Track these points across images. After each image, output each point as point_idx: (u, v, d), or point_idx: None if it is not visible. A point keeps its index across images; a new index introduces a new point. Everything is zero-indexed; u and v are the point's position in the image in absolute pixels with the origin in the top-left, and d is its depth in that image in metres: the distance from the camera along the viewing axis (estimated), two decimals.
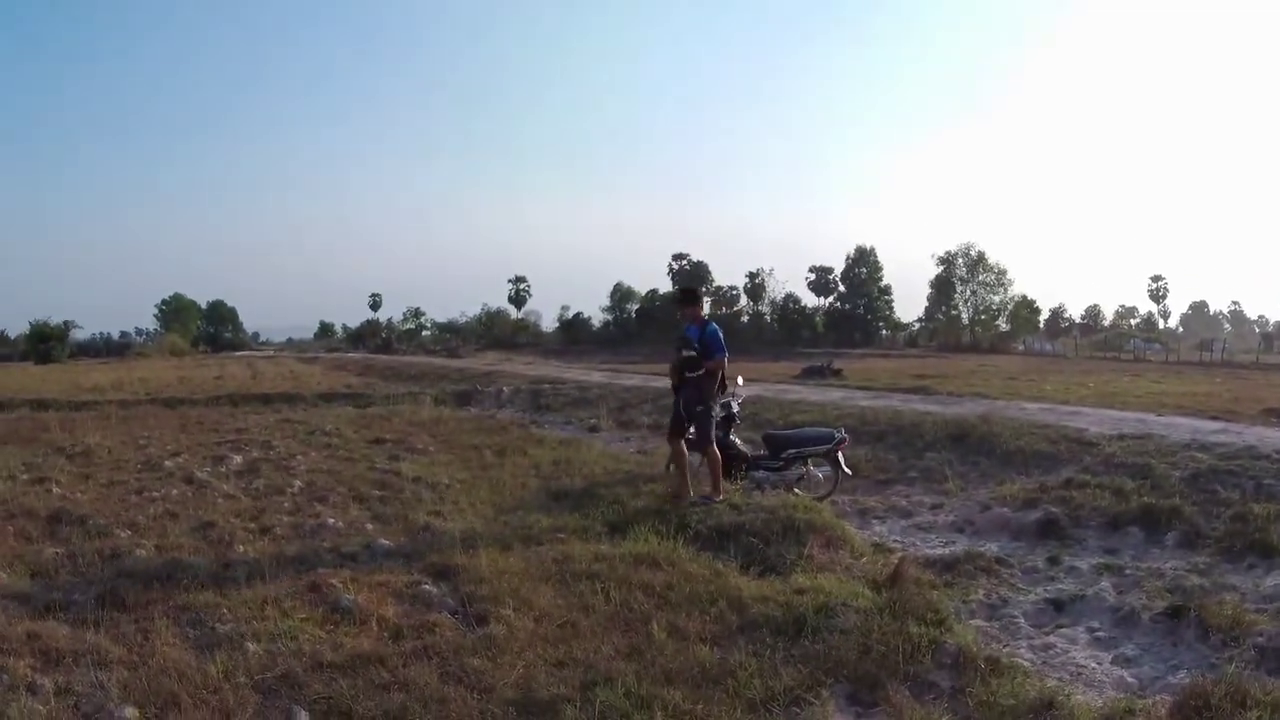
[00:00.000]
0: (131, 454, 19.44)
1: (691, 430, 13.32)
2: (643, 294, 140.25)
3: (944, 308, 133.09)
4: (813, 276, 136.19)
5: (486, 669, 6.98)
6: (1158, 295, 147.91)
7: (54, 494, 14.66)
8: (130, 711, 6.51)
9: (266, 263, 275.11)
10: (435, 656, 7.29)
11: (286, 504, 13.63)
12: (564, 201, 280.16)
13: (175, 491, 14.61)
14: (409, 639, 7.71)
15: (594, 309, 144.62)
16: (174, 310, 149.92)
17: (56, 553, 10.84)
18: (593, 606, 8.35)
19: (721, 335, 13.33)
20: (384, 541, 11.09)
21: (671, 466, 14.74)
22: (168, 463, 17.72)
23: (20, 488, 15.28)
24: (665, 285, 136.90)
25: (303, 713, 6.46)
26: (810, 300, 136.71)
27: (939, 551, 11.68)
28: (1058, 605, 9.55)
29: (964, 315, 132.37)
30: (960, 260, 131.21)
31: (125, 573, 9.80)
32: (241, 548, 10.81)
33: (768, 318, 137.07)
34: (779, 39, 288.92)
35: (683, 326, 13.69)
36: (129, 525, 12.22)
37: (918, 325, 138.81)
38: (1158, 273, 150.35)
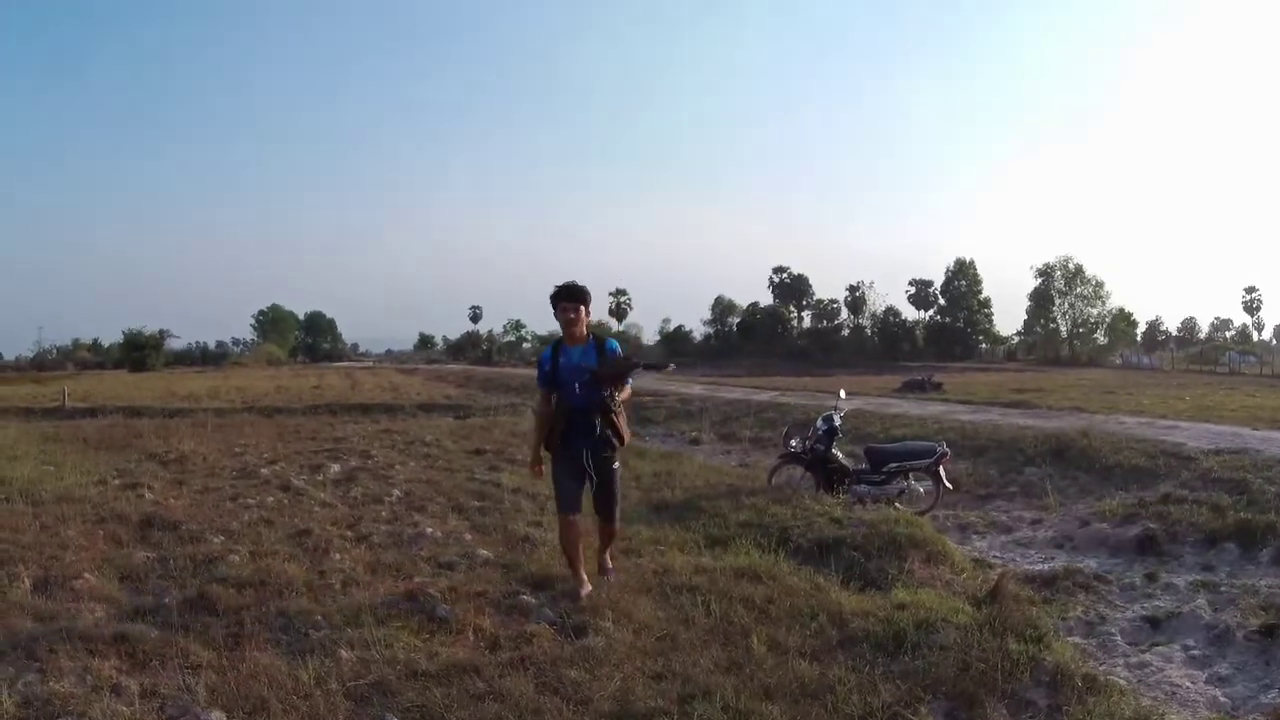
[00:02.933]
0: (227, 461, 19.63)
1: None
2: (743, 307, 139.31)
3: (1042, 321, 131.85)
4: (913, 289, 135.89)
5: (584, 681, 6.92)
6: (1252, 307, 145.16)
7: (146, 499, 14.82)
8: (217, 715, 6.54)
9: (366, 274, 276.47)
10: (532, 667, 7.24)
11: (384, 513, 13.66)
12: (665, 213, 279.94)
13: (271, 499, 14.69)
14: (506, 649, 7.68)
15: (695, 322, 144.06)
16: (271, 320, 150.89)
17: (147, 557, 10.99)
18: (693, 619, 8.29)
19: None
20: (483, 551, 11.06)
21: (768, 471, 14.49)
22: (264, 470, 17.88)
23: (112, 493, 15.47)
24: (766, 298, 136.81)
25: None
26: (910, 313, 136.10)
27: (1038, 567, 11.55)
28: (1153, 623, 9.45)
29: (1062, 328, 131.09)
30: (1058, 273, 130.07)
31: (218, 578, 9.86)
32: (337, 555, 10.84)
33: (868, 331, 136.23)
34: (881, 52, 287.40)
35: (576, 337, 9.34)
36: (223, 531, 12.29)
37: (1016, 338, 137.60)
38: (1252, 284, 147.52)
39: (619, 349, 9.65)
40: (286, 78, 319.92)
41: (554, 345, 9.57)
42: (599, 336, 9.60)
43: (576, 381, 9.21)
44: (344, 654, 7.57)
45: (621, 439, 9.53)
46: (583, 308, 9.45)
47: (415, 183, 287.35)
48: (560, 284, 9.42)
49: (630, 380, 9.68)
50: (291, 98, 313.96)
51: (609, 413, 9.31)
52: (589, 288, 9.63)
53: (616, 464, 9.68)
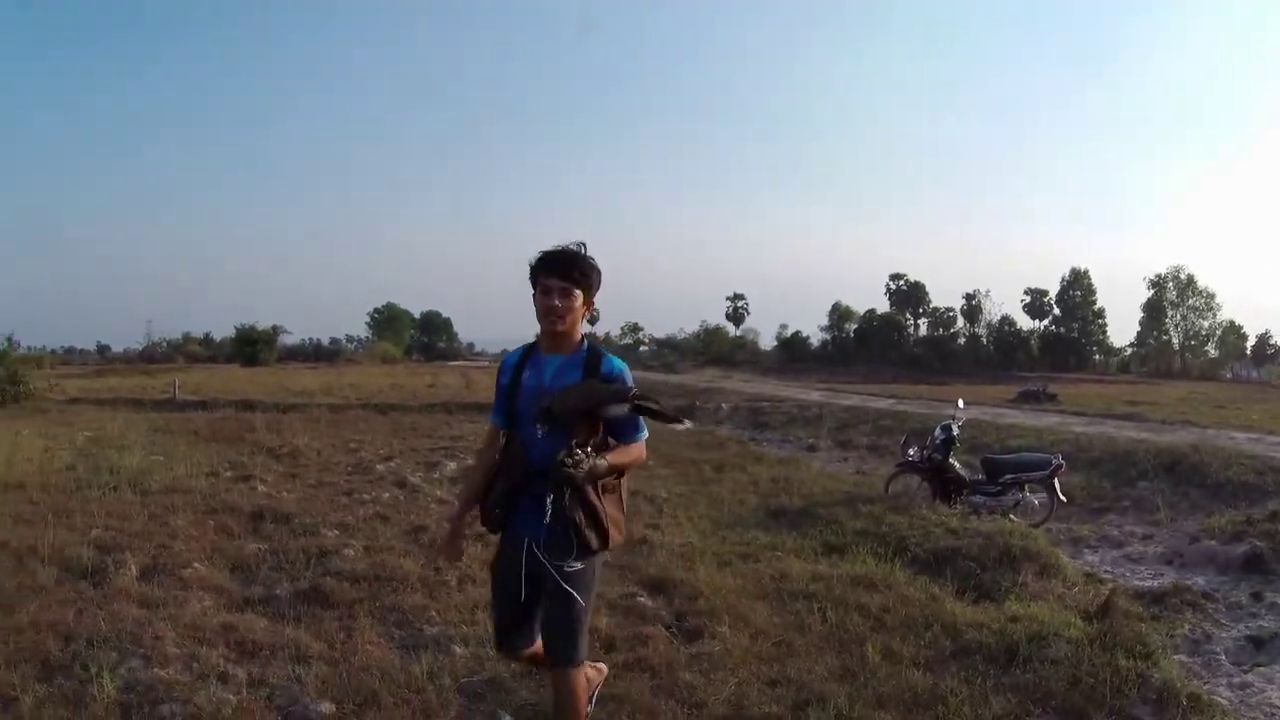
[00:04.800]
0: (341, 457, 19.85)
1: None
2: (860, 314, 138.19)
3: (1155, 333, 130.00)
4: (1028, 299, 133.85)
5: (699, 684, 6.91)
6: None
7: (258, 492, 15.04)
8: (327, 706, 6.59)
9: (482, 275, 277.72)
10: (648, 669, 7.23)
11: None
12: (783, 218, 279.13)
13: (386, 495, 14.80)
14: (622, 650, 7.66)
15: (812, 328, 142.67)
16: (386, 319, 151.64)
17: (259, 548, 11.07)
18: (808, 626, 8.20)
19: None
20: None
21: (884, 480, 14.24)
22: (379, 466, 18.05)
23: (223, 484, 15.77)
24: (883, 305, 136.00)
25: (507, 717, 6.47)
26: (1025, 323, 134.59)
27: (1148, 584, 11.34)
28: (1257, 643, 9.18)
29: (1174, 340, 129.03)
30: (1170, 284, 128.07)
31: (331, 571, 9.94)
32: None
33: (984, 340, 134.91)
34: (998, 61, 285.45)
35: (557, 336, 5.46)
36: (337, 525, 12.38)
37: (1129, 350, 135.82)
38: None
39: (620, 371, 5.41)
40: (406, 78, 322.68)
41: (524, 350, 5.67)
42: (597, 351, 5.47)
43: (540, 418, 5.17)
44: (458, 650, 7.61)
45: (600, 535, 5.23)
46: (577, 291, 5.31)
47: (530, 185, 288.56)
48: (548, 249, 5.35)
49: (622, 421, 5.33)
50: (411, 99, 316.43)
51: (578, 485, 5.06)
52: (598, 264, 5.39)
53: (578, 569, 5.24)
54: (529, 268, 5.42)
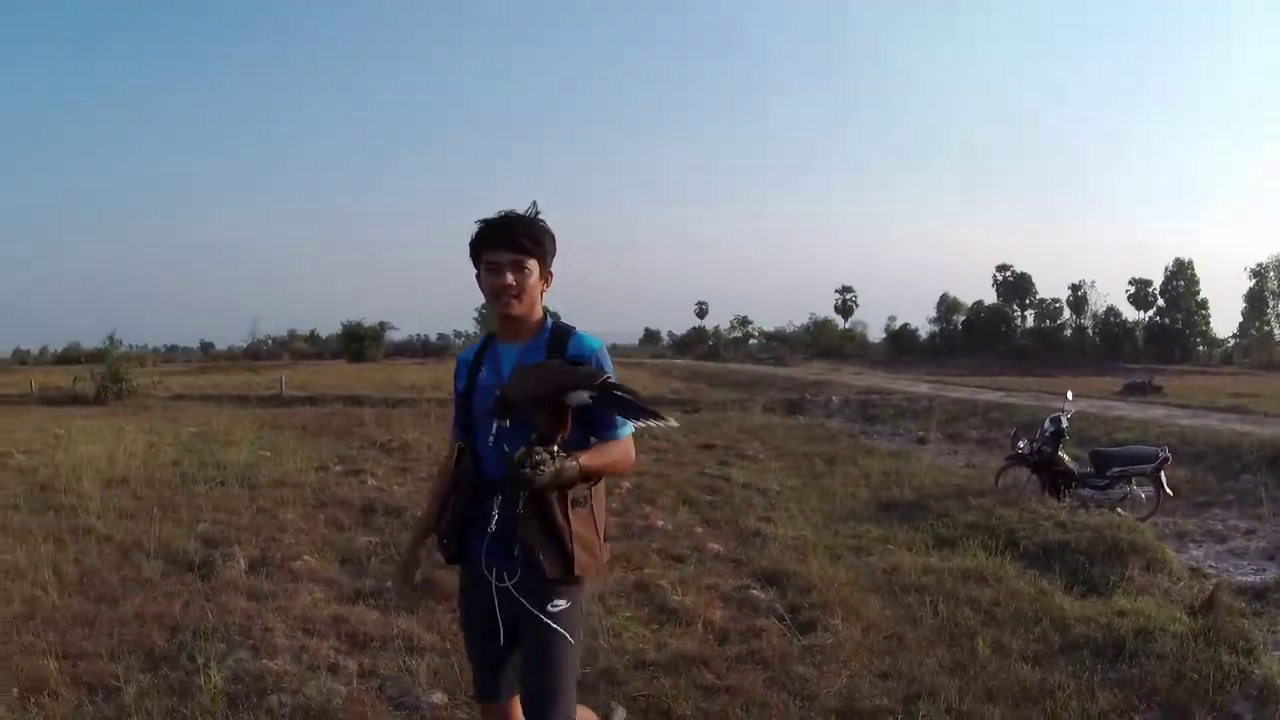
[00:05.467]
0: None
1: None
2: (968, 305, 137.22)
3: (1257, 323, 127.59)
4: (1132, 289, 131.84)
5: (811, 677, 6.88)
6: None
7: (369, 486, 15.16)
8: (439, 697, 6.62)
9: (591, 270, 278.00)
10: (761, 662, 7.20)
11: (614, 504, 13.52)
12: (891, 209, 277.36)
13: None
14: (735, 643, 7.64)
15: (920, 320, 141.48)
16: (492, 313, 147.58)
17: (369, 541, 11.14)
18: (920, 619, 8.17)
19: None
20: (713, 545, 10.99)
21: (994, 472, 14.18)
22: None
23: (333, 478, 15.91)
24: (990, 297, 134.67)
25: (621, 709, 6.43)
26: (1130, 314, 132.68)
27: (1250, 579, 11.16)
28: None
29: (1276, 331, 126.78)
30: (1272, 273, 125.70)
31: (443, 564, 9.84)
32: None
33: (1089, 331, 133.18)
34: (1106, 51, 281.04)
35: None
36: None
37: (1232, 341, 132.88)
38: None
39: (593, 351, 4.32)
40: (519, 81, 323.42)
41: (480, 343, 4.75)
42: (563, 329, 4.46)
43: (495, 420, 4.26)
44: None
45: (561, 560, 4.11)
46: (531, 262, 4.33)
47: (637, 180, 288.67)
48: (488, 217, 4.38)
49: (597, 413, 4.17)
50: (527, 101, 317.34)
51: (544, 499, 4.08)
52: (549, 227, 4.41)
53: (562, 607, 4.17)
54: (469, 244, 4.38)
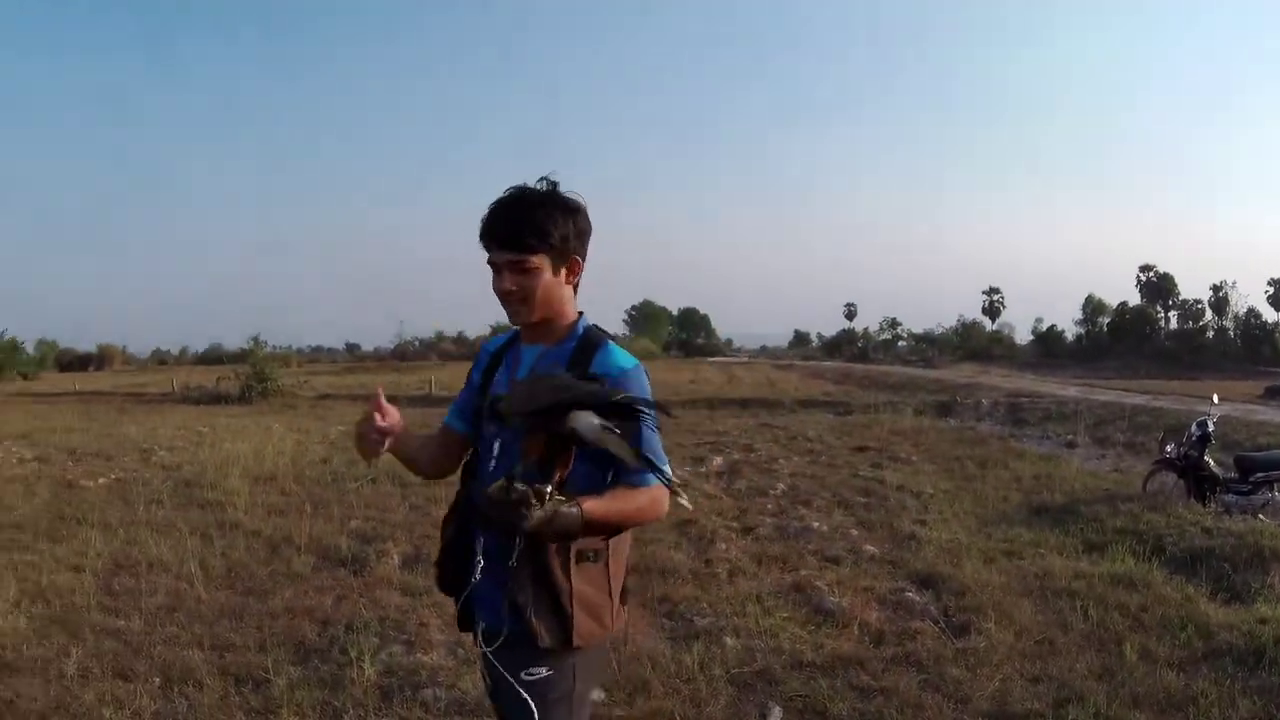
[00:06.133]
0: None
1: None
2: (1112, 306, 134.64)
3: None
4: (1270, 290, 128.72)
5: (965, 679, 6.86)
6: None
7: None
8: (597, 694, 6.54)
9: (741, 271, 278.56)
10: (915, 664, 7.19)
11: (770, 506, 13.58)
12: (1037, 210, 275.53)
13: None
14: (890, 644, 7.62)
15: (1066, 321, 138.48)
16: (644, 316, 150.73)
17: None
18: (1069, 624, 8.08)
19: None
20: (868, 547, 10.93)
21: (1142, 477, 13.92)
22: None
23: None
24: (1134, 298, 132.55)
25: (777, 709, 6.41)
26: (1269, 315, 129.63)
27: None
28: None
29: None
30: None
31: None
32: (723, 545, 10.80)
33: (1231, 333, 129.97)
34: (1267, 49, 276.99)
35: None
36: None
37: None
38: None
39: (620, 371, 3.30)
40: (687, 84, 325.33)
41: (508, 337, 3.83)
42: (594, 338, 3.47)
43: (499, 434, 3.41)
44: (729, 641, 7.60)
45: (559, 626, 3.19)
46: (536, 260, 3.35)
47: (786, 180, 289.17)
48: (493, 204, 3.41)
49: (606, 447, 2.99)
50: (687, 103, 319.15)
51: (542, 547, 3.16)
52: (574, 202, 3.41)
53: (540, 675, 3.22)
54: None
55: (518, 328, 3.61)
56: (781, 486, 15.05)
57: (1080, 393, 37.60)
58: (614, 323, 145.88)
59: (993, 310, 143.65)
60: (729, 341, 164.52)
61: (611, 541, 3.29)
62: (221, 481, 15.66)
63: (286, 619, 8.37)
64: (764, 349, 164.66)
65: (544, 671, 3.20)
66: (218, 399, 41.24)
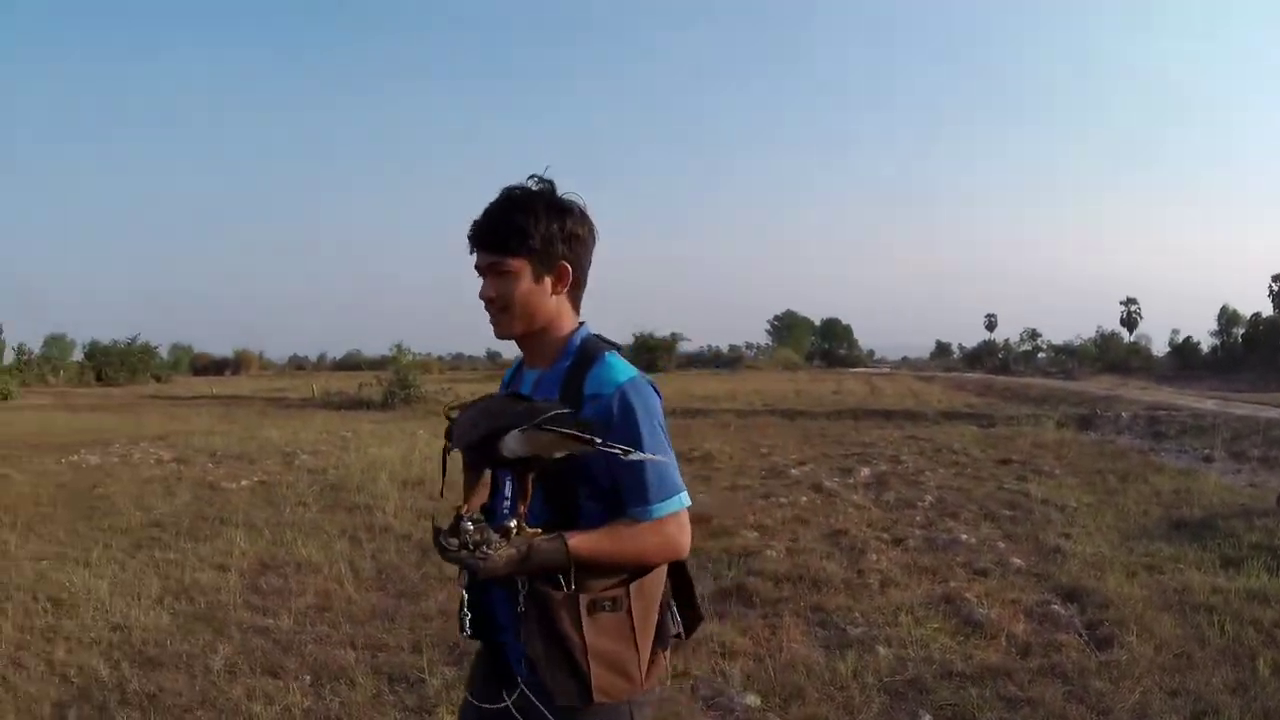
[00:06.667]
0: (754, 461, 20.14)
1: None
2: (1247, 317, 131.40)
3: None
4: None
5: (1107, 691, 6.95)
6: None
7: None
8: (752, 699, 6.79)
9: (883, 283, 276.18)
10: (1060, 675, 7.29)
11: (918, 518, 13.67)
12: (1167, 219, 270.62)
13: (804, 499, 14.94)
14: (1036, 656, 7.73)
15: (1202, 333, 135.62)
16: (786, 326, 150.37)
17: None
18: (1206, 639, 8.12)
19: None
20: (1015, 560, 11.00)
21: (1276, 493, 13.89)
22: (793, 471, 18.26)
23: None
24: (1267, 308, 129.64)
25: (928, 716, 6.59)
26: None
27: None
28: None
29: None
30: None
31: (754, 571, 10.21)
32: (874, 556, 10.94)
33: None
34: None
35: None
36: (756, 527, 12.62)
37: None
38: None
39: (615, 387, 2.93)
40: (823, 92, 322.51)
41: (517, 363, 3.55)
42: (591, 351, 3.11)
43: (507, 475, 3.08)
44: (881, 651, 7.74)
45: (575, 681, 2.81)
46: (515, 264, 3.05)
47: (928, 191, 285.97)
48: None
49: (623, 476, 2.91)
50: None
51: (546, 597, 2.83)
52: (557, 200, 3.08)
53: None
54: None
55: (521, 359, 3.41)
56: (929, 498, 15.14)
57: (1217, 406, 37.08)
58: (756, 333, 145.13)
59: (1130, 321, 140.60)
60: (870, 352, 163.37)
61: (633, 586, 2.90)
62: (368, 485, 16.16)
63: (440, 621, 8.64)
64: (905, 360, 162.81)
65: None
66: (359, 404, 41.91)
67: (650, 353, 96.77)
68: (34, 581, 10.22)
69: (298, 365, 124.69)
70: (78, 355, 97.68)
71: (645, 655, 2.91)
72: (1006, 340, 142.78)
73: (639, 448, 2.79)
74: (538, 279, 3.07)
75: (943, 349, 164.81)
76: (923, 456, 21.49)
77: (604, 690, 2.81)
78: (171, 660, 7.67)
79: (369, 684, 7.18)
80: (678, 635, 3.17)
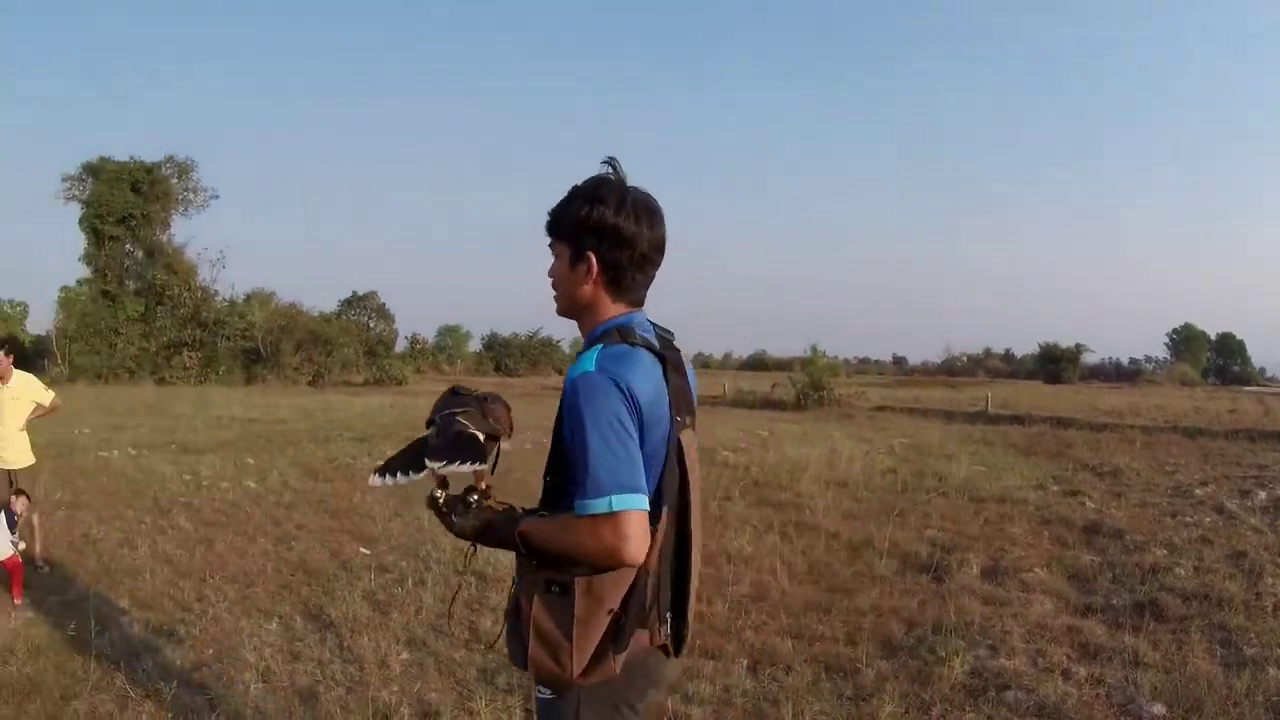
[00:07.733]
0: (1160, 479, 19.66)
1: None
2: None
3: None
4: None
5: None
6: None
7: (1087, 507, 15.39)
8: (1159, 709, 6.90)
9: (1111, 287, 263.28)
10: None
11: None
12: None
13: (1207, 519, 14.68)
14: None
15: None
16: (1184, 340, 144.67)
17: (1093, 560, 11.51)
18: None
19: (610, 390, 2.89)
20: None
21: None
22: (1197, 491, 17.84)
23: (1052, 498, 16.33)
24: None
25: None
26: None
27: None
28: None
29: None
30: None
31: (1164, 587, 10.22)
32: (1270, 580, 10.74)
33: None
34: None
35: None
36: (1165, 545, 12.51)
37: None
38: None
39: (572, 379, 2.98)
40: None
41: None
42: (595, 340, 3.15)
43: None
44: (1271, 672, 7.71)
45: (518, 646, 3.15)
46: (557, 247, 3.25)
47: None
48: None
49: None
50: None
51: (525, 567, 3.15)
52: (590, 189, 3.12)
53: (546, 696, 3.16)
54: None
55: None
56: None
57: None
58: (1155, 346, 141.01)
59: None
60: (1261, 370, 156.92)
61: (580, 581, 2.95)
62: (792, 484, 16.66)
63: (873, 617, 9.01)
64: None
65: (548, 694, 3.12)
66: (771, 404, 42.57)
67: (1055, 363, 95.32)
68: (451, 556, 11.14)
69: (702, 364, 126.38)
70: (475, 346, 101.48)
71: (584, 649, 2.96)
72: None
73: (581, 440, 2.84)
74: (572, 265, 3.17)
75: None
76: None
77: (535, 663, 3.01)
78: None
79: (806, 671, 7.59)
80: (663, 647, 3.19)
